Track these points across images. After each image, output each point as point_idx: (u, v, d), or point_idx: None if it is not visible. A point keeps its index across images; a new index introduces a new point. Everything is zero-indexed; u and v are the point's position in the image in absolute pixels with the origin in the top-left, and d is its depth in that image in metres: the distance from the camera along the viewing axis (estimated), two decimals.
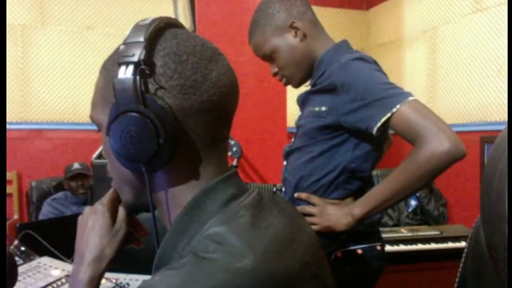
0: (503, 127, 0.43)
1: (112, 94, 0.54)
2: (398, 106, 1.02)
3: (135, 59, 0.52)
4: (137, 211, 0.66)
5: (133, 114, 0.53)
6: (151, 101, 0.53)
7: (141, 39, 0.53)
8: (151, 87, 0.54)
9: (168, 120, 0.53)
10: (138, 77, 0.52)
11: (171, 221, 0.58)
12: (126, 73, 0.52)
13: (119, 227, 0.68)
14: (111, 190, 0.70)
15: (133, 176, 0.58)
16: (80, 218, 0.70)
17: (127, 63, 0.53)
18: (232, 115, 0.61)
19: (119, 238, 0.68)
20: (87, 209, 0.70)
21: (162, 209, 0.60)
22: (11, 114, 3.54)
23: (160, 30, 0.56)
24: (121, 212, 0.69)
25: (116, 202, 0.69)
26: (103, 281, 1.24)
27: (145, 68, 0.53)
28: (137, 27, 0.55)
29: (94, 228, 0.67)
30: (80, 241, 0.68)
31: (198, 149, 0.57)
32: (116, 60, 0.55)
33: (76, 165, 2.98)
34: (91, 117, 0.62)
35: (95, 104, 0.61)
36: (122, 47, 0.55)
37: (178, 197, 0.58)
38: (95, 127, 0.62)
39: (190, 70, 0.55)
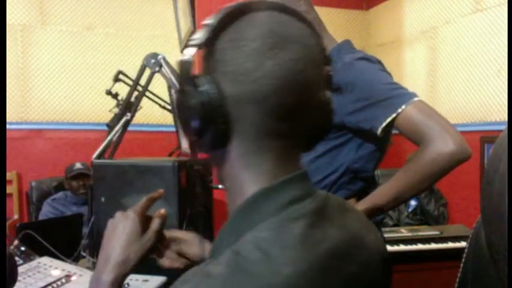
0: (504, 127, 0.43)
1: None
2: (403, 107, 1.02)
3: (196, 42, 0.53)
4: None
5: (182, 95, 0.54)
6: (202, 84, 0.53)
7: (212, 22, 0.54)
8: (208, 70, 0.55)
9: (213, 104, 0.52)
10: (191, 61, 0.53)
11: (232, 207, 0.57)
12: (187, 55, 0.54)
13: (148, 237, 0.71)
14: (145, 199, 0.74)
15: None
16: (110, 221, 0.72)
17: (189, 46, 0.54)
18: (293, 110, 0.55)
19: (146, 247, 0.70)
20: (118, 214, 0.72)
21: (229, 195, 0.59)
22: (11, 114, 3.54)
23: (237, 14, 0.55)
24: (155, 224, 0.72)
25: (146, 211, 0.72)
26: None
27: (203, 51, 0.54)
28: (220, 10, 0.56)
29: (124, 233, 0.69)
30: (108, 244, 0.70)
31: (253, 140, 0.55)
32: None
33: (78, 165, 2.98)
34: None
35: None
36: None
37: (243, 187, 0.56)
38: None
39: (244, 57, 0.53)
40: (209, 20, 0.54)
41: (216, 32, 0.54)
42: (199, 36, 0.53)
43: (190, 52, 0.53)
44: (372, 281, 0.58)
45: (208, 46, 0.53)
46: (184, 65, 0.54)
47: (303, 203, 0.54)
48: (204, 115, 0.53)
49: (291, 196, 0.54)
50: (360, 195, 1.16)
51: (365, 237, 0.59)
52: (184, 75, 0.54)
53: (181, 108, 0.55)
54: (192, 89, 0.53)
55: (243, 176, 0.56)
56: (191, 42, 0.54)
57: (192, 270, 0.50)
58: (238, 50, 0.53)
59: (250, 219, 0.53)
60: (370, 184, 1.21)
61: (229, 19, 0.54)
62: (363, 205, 1.09)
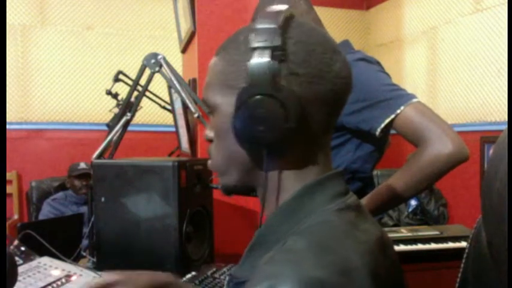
0: (504, 127, 0.43)
1: (234, 77, 0.57)
2: (402, 108, 1.03)
3: (270, 44, 0.54)
4: (235, 193, 0.67)
5: (266, 97, 0.54)
6: (282, 87, 0.54)
7: (274, 25, 0.55)
8: (282, 73, 0.55)
9: (295, 106, 0.54)
10: (273, 62, 0.53)
11: (277, 204, 0.60)
12: (261, 58, 0.53)
13: None
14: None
15: (249, 158, 0.59)
16: None
17: (262, 48, 0.54)
18: (344, 105, 0.62)
19: None
20: None
21: (267, 191, 0.60)
22: (11, 114, 3.54)
23: (288, 19, 0.57)
24: None
25: None
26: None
27: (280, 54, 0.54)
28: (267, 14, 0.57)
29: None
30: None
31: (314, 136, 0.59)
32: (240, 43, 0.58)
33: (83, 165, 2.99)
34: (204, 99, 0.63)
35: (210, 87, 0.62)
36: (253, 32, 0.55)
37: (287, 182, 0.59)
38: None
39: (317, 60, 0.56)
40: (266, 24, 0.55)
41: (282, 35, 0.55)
42: (266, 38, 0.54)
43: (264, 56, 0.54)
44: (397, 279, 0.60)
45: (279, 49, 0.54)
46: (260, 68, 0.54)
47: (344, 198, 0.59)
48: (292, 118, 0.54)
49: (336, 190, 0.59)
50: (358, 195, 1.16)
51: (388, 240, 0.64)
52: (264, 79, 0.54)
53: (262, 113, 0.54)
54: (277, 93, 0.54)
55: (295, 173, 0.59)
56: (261, 45, 0.54)
57: (265, 259, 0.51)
58: (311, 52, 0.56)
59: (306, 206, 0.57)
60: (368, 184, 1.21)
61: (284, 22, 0.56)
62: None
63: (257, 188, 0.63)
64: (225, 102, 0.59)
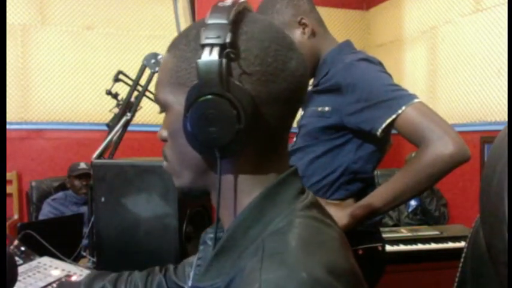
0: (503, 127, 0.43)
1: (185, 75, 0.54)
2: (403, 108, 1.03)
3: (221, 41, 0.51)
4: (190, 196, 0.65)
5: (217, 97, 0.51)
6: (234, 86, 0.51)
7: (225, 21, 0.52)
8: (234, 71, 0.52)
9: (248, 106, 0.51)
10: (224, 60, 0.50)
11: (236, 208, 0.57)
12: (211, 55, 0.50)
13: None
14: None
15: (202, 160, 0.57)
16: None
17: (212, 45, 0.51)
18: (301, 104, 0.61)
19: None
20: None
21: (222, 195, 0.57)
22: (11, 114, 3.54)
23: (241, 14, 0.55)
24: None
25: None
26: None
27: (231, 52, 0.51)
28: (218, 9, 0.53)
29: None
30: None
31: (270, 137, 0.56)
32: (191, 40, 0.55)
33: (83, 165, 3.00)
34: (156, 98, 0.60)
35: (162, 85, 0.58)
36: (203, 27, 0.52)
37: (244, 184, 0.56)
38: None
39: (271, 57, 0.53)
40: (217, 19, 0.52)
41: (234, 31, 0.52)
42: (217, 34, 0.51)
43: (214, 53, 0.50)
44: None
45: (230, 46, 0.51)
46: (211, 66, 0.50)
47: (305, 195, 0.58)
48: (245, 119, 0.51)
49: (296, 189, 0.57)
50: (359, 195, 1.16)
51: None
52: (215, 78, 0.50)
53: (213, 114, 0.51)
54: (226, 92, 0.51)
55: (252, 174, 0.56)
56: (211, 41, 0.51)
57: (252, 265, 0.48)
58: (265, 49, 0.53)
59: (273, 207, 0.55)
60: (369, 185, 1.21)
61: (236, 18, 0.53)
62: (361, 206, 1.10)
63: (212, 190, 0.59)
64: (177, 101, 0.55)
